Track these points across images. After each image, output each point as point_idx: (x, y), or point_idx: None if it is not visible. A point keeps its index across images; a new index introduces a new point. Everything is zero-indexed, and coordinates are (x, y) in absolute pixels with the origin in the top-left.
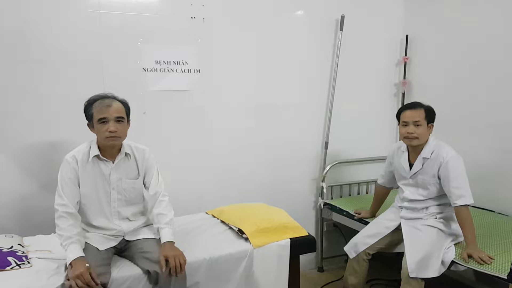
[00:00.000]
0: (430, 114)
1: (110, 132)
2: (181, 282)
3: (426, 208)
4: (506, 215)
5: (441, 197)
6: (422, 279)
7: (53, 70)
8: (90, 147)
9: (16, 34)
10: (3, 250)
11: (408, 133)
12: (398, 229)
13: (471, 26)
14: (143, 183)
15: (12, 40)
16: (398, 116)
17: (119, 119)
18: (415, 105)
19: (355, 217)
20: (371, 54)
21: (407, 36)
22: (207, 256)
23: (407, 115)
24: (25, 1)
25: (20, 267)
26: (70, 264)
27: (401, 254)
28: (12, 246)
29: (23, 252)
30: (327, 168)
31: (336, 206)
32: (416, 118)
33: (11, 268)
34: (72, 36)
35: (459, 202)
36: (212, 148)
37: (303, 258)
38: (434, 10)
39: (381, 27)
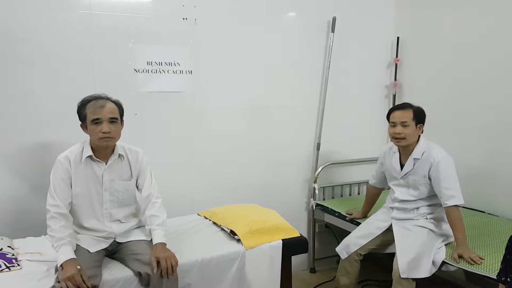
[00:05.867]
0: (419, 115)
1: (103, 133)
2: (172, 284)
3: (417, 208)
4: (496, 215)
5: (432, 198)
6: (413, 279)
7: (44, 70)
8: (83, 147)
9: (7, 33)
10: None
11: (395, 133)
12: (390, 229)
13: (461, 29)
14: (136, 185)
15: (2, 40)
16: (388, 116)
17: (112, 120)
18: (404, 106)
19: (347, 218)
20: (362, 55)
21: (398, 38)
22: (199, 257)
23: (395, 115)
24: (16, 1)
25: (10, 269)
26: (61, 265)
27: (393, 255)
28: (1, 249)
29: (13, 255)
30: (319, 169)
31: (328, 207)
32: (403, 118)
33: (1, 270)
34: (63, 37)
35: (450, 203)
36: (204, 149)
37: (295, 259)
38: (425, 12)
39: (373, 29)
